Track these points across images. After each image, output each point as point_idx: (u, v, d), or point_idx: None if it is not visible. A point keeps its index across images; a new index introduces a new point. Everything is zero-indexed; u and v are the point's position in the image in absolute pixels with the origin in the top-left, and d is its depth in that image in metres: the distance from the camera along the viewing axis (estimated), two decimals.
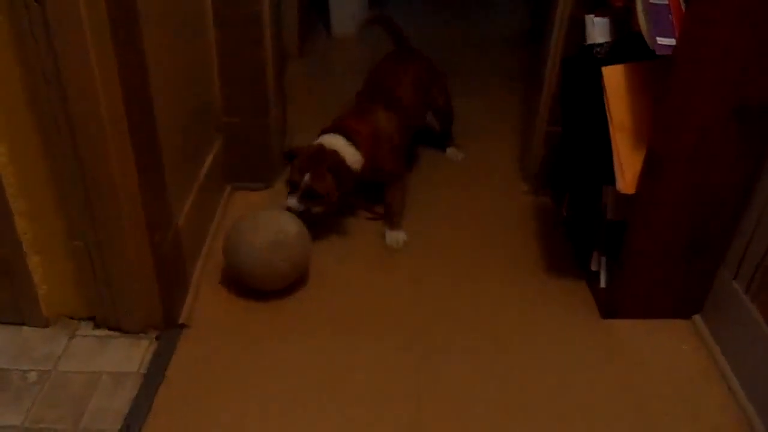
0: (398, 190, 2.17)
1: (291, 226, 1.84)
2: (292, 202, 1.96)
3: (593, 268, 1.89)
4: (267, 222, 1.85)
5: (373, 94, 2.24)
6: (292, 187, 1.98)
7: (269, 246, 1.77)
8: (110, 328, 1.69)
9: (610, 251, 1.81)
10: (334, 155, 1.97)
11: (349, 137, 2.02)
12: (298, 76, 3.06)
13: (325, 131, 2.05)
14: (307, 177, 1.93)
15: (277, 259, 1.77)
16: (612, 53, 1.70)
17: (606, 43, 1.73)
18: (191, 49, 1.91)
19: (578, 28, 1.86)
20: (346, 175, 1.98)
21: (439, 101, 2.47)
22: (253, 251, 1.77)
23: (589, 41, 1.77)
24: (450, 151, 2.59)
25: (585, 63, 1.75)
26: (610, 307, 1.81)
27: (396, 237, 2.10)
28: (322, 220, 2.05)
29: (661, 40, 1.41)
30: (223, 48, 2.06)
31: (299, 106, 2.74)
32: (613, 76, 1.60)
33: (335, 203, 2.01)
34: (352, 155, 2.01)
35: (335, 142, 2.00)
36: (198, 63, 1.98)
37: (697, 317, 1.79)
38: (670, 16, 1.43)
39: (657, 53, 1.43)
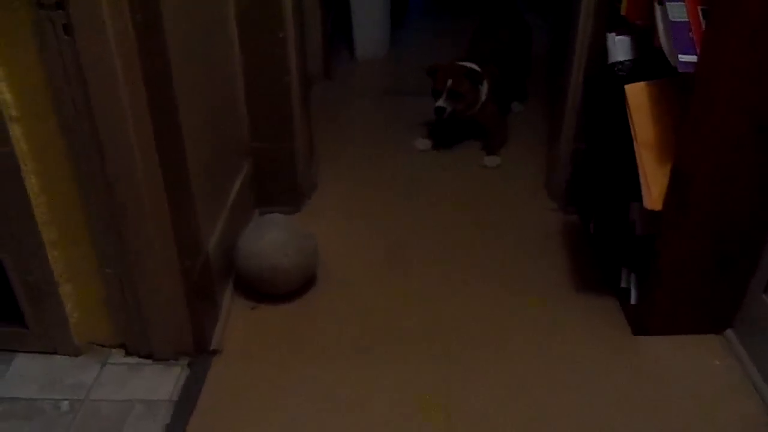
0: (497, 135, 2.76)
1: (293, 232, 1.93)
2: (440, 102, 2.61)
3: (623, 284, 1.87)
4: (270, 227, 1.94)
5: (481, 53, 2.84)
6: (436, 95, 2.63)
7: (273, 247, 1.86)
8: (141, 356, 1.70)
9: (640, 268, 1.80)
10: (469, 67, 2.62)
11: (479, 66, 2.66)
12: (323, 100, 3.09)
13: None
14: (449, 82, 2.59)
15: (281, 256, 1.85)
16: (634, 71, 1.70)
17: (628, 61, 1.73)
18: (218, 75, 1.94)
19: (600, 45, 1.86)
20: (477, 80, 2.62)
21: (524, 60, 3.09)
22: (259, 254, 1.86)
23: (611, 59, 1.77)
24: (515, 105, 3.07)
25: (607, 81, 1.75)
26: (641, 323, 1.79)
27: (493, 159, 2.66)
28: (460, 124, 2.77)
29: (683, 57, 1.41)
30: (249, 74, 2.10)
31: (325, 130, 2.77)
32: (636, 94, 1.60)
33: (473, 102, 2.66)
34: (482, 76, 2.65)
35: (469, 64, 2.66)
36: (225, 89, 2.01)
37: (729, 332, 1.77)
38: (690, 33, 1.43)
39: (679, 70, 1.43)
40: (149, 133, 1.41)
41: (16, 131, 1.41)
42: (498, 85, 2.76)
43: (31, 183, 1.47)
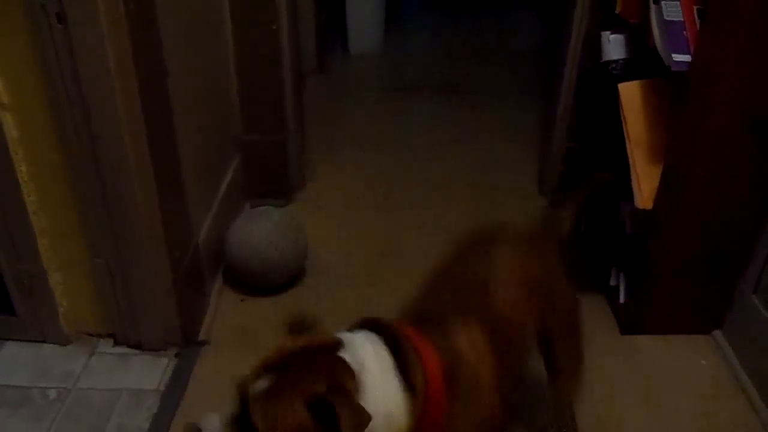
0: None
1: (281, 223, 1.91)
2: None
3: (612, 283, 1.88)
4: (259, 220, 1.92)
5: (449, 302, 1.15)
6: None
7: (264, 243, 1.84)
8: (130, 346, 1.70)
9: (629, 267, 1.80)
10: (341, 376, 0.89)
11: (401, 354, 0.94)
12: (316, 93, 3.09)
13: (363, 324, 1.01)
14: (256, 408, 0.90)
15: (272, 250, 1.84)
16: (628, 70, 1.70)
17: (622, 59, 1.74)
18: (211, 67, 1.94)
19: (594, 44, 1.87)
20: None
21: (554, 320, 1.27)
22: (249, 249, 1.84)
23: (605, 58, 1.77)
24: None
25: (601, 80, 1.75)
26: (629, 322, 1.79)
27: None
28: None
29: (677, 57, 1.41)
30: (242, 66, 2.09)
31: (318, 124, 2.77)
32: (630, 93, 1.60)
33: None
34: (387, 395, 0.92)
35: (365, 351, 0.93)
36: (217, 81, 2.01)
37: (717, 332, 1.77)
38: (684, 32, 1.43)
39: (672, 69, 1.43)
40: (141, 123, 1.41)
41: (7, 119, 1.41)
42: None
43: (22, 171, 1.47)
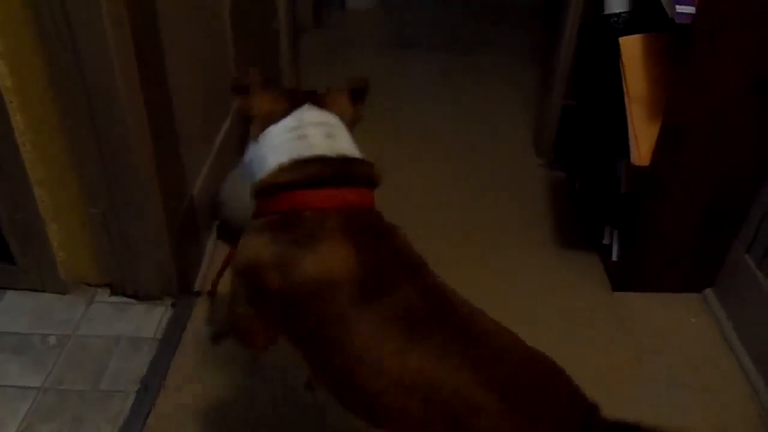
0: None
1: None
2: None
3: (605, 241, 1.89)
4: None
5: None
6: None
7: None
8: (127, 295, 1.71)
9: (623, 225, 1.81)
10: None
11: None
12: (312, 49, 3.05)
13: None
14: None
15: None
16: (630, 24, 1.68)
17: (624, 13, 1.72)
18: (206, 19, 1.90)
19: None
20: None
21: None
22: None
23: (607, 11, 1.75)
24: None
25: (602, 33, 1.73)
26: (621, 280, 1.81)
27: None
28: None
29: (681, 8, 1.38)
30: (238, 19, 2.06)
31: (313, 79, 2.74)
32: (630, 47, 1.58)
33: None
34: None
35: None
36: (213, 33, 1.97)
37: (708, 291, 1.79)
38: None
39: (676, 21, 1.40)
40: (135, 73, 1.39)
41: (0, 66, 1.38)
42: None
43: (17, 120, 1.45)
